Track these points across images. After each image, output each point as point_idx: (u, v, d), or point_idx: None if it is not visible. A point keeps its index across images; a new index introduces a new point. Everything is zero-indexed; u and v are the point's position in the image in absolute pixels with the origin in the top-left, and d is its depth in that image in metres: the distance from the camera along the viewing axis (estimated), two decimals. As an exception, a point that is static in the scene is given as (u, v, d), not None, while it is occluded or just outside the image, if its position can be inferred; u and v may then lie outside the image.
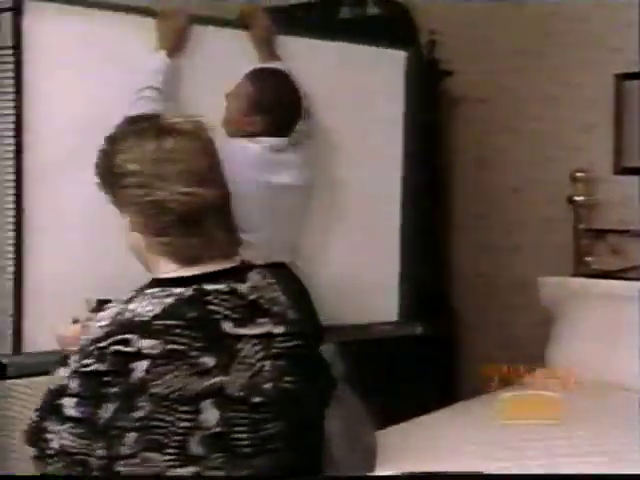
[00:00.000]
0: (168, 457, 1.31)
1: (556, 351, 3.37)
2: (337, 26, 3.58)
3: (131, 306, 1.35)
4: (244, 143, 2.60)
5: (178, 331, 1.32)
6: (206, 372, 1.32)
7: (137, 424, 1.30)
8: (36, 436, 1.37)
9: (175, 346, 1.31)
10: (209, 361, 1.32)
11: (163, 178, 1.37)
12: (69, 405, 1.33)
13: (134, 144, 1.40)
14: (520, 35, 3.82)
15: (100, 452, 1.32)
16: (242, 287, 1.40)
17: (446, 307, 3.91)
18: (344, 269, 3.02)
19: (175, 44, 2.65)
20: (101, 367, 1.31)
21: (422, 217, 3.33)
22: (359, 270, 3.07)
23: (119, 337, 1.31)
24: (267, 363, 1.38)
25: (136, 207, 1.40)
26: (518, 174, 3.87)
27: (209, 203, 1.39)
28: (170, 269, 1.41)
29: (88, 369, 1.32)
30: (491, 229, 3.95)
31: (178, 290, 1.36)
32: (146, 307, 1.33)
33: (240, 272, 1.43)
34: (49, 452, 1.35)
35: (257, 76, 2.66)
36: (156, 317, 1.32)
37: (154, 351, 1.30)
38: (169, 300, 1.34)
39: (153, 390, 1.29)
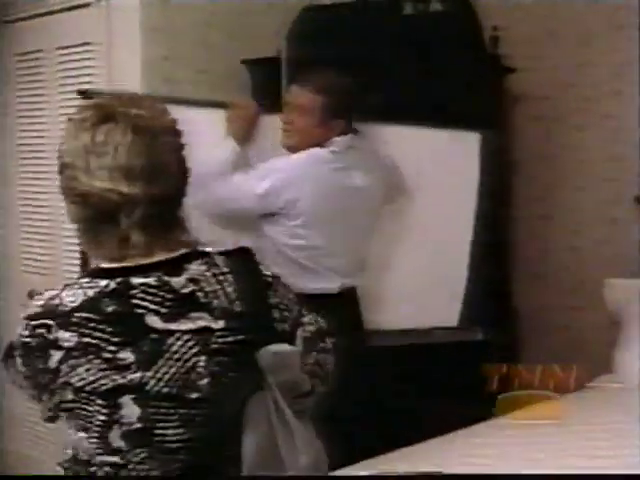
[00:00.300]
0: (94, 444, 1.33)
1: (623, 354, 3.30)
2: (401, 23, 3.55)
3: (63, 293, 1.35)
4: (311, 150, 2.60)
5: (94, 325, 1.31)
6: (125, 367, 1.30)
7: (62, 406, 1.35)
8: (6, 366, 1.42)
9: (90, 340, 1.30)
10: (128, 356, 1.30)
11: (88, 172, 1.35)
12: (18, 362, 1.38)
13: (73, 135, 1.38)
14: (586, 29, 3.73)
15: (43, 406, 1.40)
16: (175, 280, 1.35)
17: (509, 309, 3.84)
18: (409, 274, 3.01)
19: (245, 134, 2.68)
20: (31, 342, 1.35)
21: (487, 218, 3.28)
22: (425, 275, 3.05)
23: (43, 321, 1.33)
24: (202, 359, 1.33)
25: (66, 199, 1.40)
26: (584, 173, 3.79)
27: (133, 200, 1.34)
28: (98, 261, 1.40)
29: (23, 340, 1.36)
30: (556, 229, 3.87)
31: (104, 282, 1.34)
32: (71, 297, 1.34)
33: (178, 264, 1.37)
34: (16, 382, 1.43)
35: (319, 84, 2.66)
36: (75, 309, 1.32)
37: (68, 343, 1.31)
38: (91, 292, 1.33)
39: (68, 380, 1.31)
